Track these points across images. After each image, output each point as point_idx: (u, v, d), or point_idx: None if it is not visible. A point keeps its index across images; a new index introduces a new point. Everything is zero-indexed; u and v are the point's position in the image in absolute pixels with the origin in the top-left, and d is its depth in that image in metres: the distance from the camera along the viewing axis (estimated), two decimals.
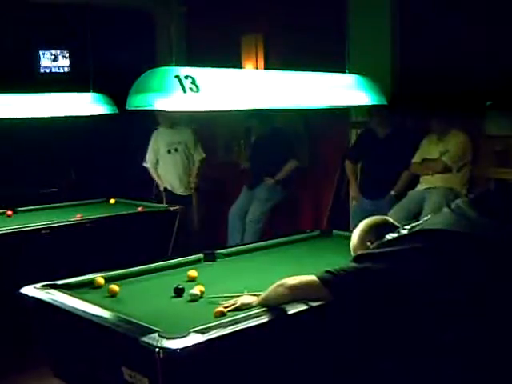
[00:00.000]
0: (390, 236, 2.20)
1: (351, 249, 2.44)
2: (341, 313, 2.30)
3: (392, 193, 4.87)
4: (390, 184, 4.88)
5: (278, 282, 2.27)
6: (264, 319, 2.17)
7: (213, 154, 6.97)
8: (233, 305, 2.34)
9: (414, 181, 4.89)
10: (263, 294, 2.31)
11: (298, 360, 2.27)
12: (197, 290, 2.56)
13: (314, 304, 2.28)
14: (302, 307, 2.27)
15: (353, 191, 5.15)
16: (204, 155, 6.10)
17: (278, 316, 2.21)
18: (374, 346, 2.39)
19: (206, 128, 6.79)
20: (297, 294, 2.22)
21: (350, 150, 5.29)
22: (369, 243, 2.32)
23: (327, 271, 2.16)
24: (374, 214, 5.13)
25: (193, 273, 2.86)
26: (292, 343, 2.24)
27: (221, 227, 6.34)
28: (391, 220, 2.45)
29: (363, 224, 2.42)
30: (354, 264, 2.15)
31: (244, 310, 2.30)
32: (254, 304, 2.32)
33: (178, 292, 2.59)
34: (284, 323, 2.23)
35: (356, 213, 5.04)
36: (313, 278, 2.18)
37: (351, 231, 4.22)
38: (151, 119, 6.28)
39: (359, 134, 5.28)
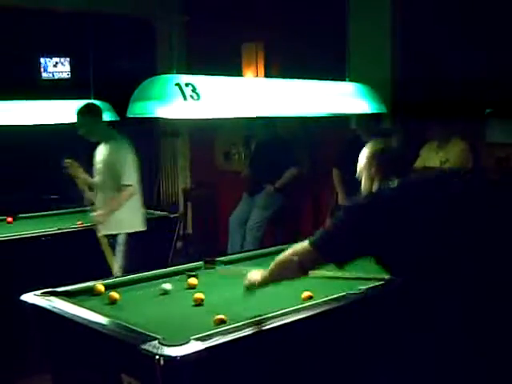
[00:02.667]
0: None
1: (358, 170, 2.36)
2: (344, 320, 2.31)
3: None
4: None
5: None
6: (264, 327, 2.17)
7: (212, 162, 7.00)
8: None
9: None
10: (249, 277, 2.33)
11: (298, 367, 2.26)
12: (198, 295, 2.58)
13: (314, 312, 2.29)
14: (303, 315, 2.27)
15: (341, 199, 5.15)
16: (129, 182, 4.01)
17: (279, 323, 2.21)
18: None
19: (206, 136, 6.82)
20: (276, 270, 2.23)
21: (337, 158, 5.29)
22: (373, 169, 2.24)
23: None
24: None
25: (193, 281, 2.86)
26: (292, 351, 2.23)
27: (220, 235, 6.35)
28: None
29: (371, 147, 2.32)
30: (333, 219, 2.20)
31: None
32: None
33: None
34: (284, 331, 2.23)
35: None
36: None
37: None
38: (153, 127, 6.31)
39: (346, 142, 5.29)
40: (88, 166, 4.28)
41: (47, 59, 7.23)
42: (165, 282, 2.84)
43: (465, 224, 1.98)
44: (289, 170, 5.59)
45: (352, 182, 5.16)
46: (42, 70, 7.20)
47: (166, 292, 2.77)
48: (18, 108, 4.27)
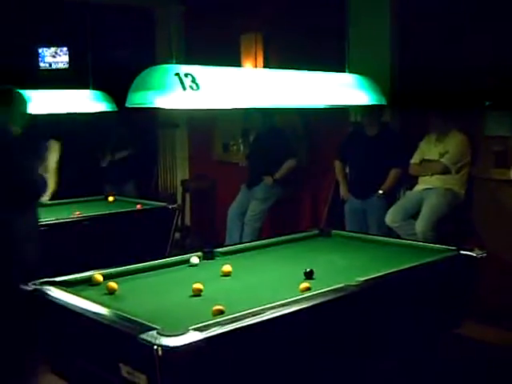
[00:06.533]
0: None
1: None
2: (340, 310, 2.31)
3: (380, 191, 4.88)
4: (379, 183, 4.88)
5: None
6: (263, 317, 2.17)
7: (211, 154, 6.99)
8: None
9: (401, 179, 4.91)
10: None
11: (296, 358, 2.27)
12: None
13: (312, 303, 2.29)
14: (301, 306, 2.28)
15: (342, 191, 5.15)
16: None
17: (276, 314, 2.21)
18: None
19: (204, 127, 6.81)
20: None
21: (339, 149, 5.28)
22: None
23: None
24: (364, 214, 5.17)
25: (227, 268, 2.89)
26: (290, 341, 2.24)
27: (219, 226, 6.35)
28: None
29: None
30: None
31: None
32: None
33: (308, 275, 2.75)
34: (282, 322, 2.23)
35: (347, 212, 5.05)
36: None
37: (348, 231, 4.25)
38: (151, 117, 6.29)
39: (348, 134, 5.28)
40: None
41: (45, 49, 7.20)
42: (192, 257, 3.07)
43: None
44: (287, 161, 5.59)
45: (353, 174, 5.22)
46: (40, 59, 7.17)
47: (193, 265, 3.03)
48: None
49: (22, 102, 3.49)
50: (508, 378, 3.53)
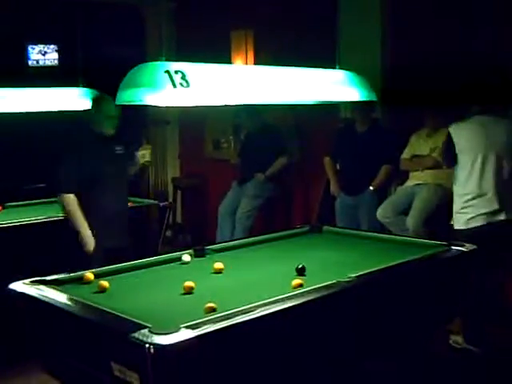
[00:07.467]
0: None
1: None
2: (334, 308, 2.31)
3: (371, 188, 4.88)
4: (370, 179, 4.89)
5: None
6: (255, 314, 2.17)
7: (202, 150, 6.98)
8: None
9: (392, 175, 4.91)
10: None
11: (288, 355, 2.27)
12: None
13: (304, 300, 2.29)
14: (293, 303, 2.28)
15: (333, 188, 5.15)
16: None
17: (269, 311, 2.21)
18: None
19: (195, 124, 6.80)
20: None
21: (330, 146, 5.28)
22: None
23: None
24: (355, 210, 5.17)
25: (219, 265, 2.89)
26: (283, 339, 2.24)
27: (210, 223, 6.34)
28: None
29: None
30: None
31: None
32: None
33: (300, 271, 2.76)
34: (274, 318, 2.23)
35: (338, 208, 5.06)
36: None
37: (339, 227, 4.25)
38: (141, 114, 6.26)
39: (338, 130, 5.28)
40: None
41: (34, 46, 7.15)
42: (183, 255, 3.06)
43: None
44: (279, 158, 5.59)
45: (344, 170, 5.22)
46: (29, 57, 7.12)
47: (184, 263, 3.02)
48: (5, 95, 4.22)
49: (109, 105, 3.79)
50: (508, 377, 3.51)
